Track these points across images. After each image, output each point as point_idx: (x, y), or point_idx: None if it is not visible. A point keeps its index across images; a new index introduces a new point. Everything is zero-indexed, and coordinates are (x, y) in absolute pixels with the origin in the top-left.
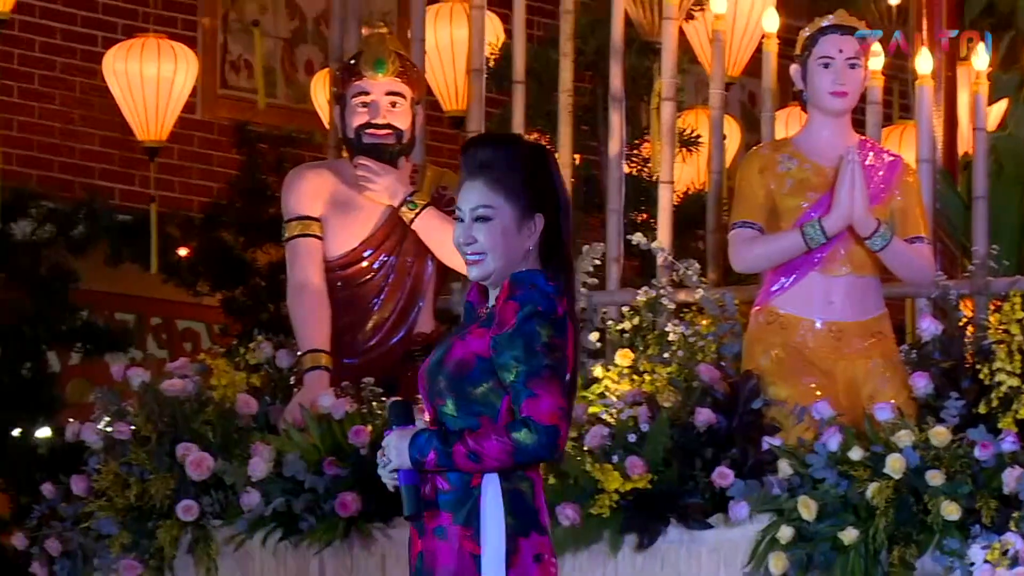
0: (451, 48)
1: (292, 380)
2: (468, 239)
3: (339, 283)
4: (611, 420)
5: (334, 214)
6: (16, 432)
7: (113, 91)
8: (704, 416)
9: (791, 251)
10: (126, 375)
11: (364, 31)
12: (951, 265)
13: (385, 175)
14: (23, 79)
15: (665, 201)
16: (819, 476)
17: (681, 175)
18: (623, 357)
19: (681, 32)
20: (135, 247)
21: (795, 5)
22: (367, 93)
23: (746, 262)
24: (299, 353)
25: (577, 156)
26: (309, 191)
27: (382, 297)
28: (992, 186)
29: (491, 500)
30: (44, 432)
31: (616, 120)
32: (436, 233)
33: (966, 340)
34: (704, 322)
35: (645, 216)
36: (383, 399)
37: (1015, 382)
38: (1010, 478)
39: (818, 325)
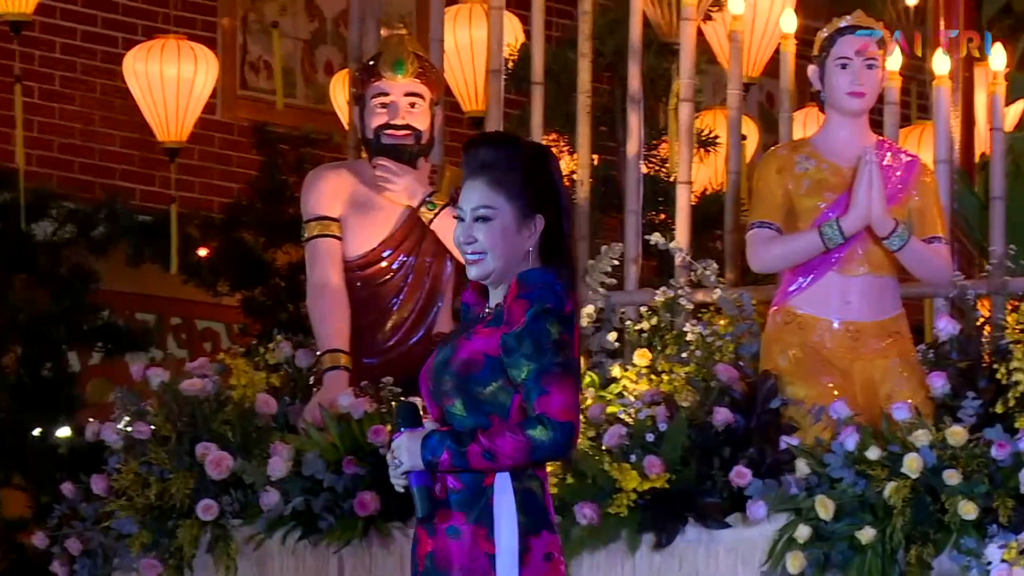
0: (470, 49)
1: (311, 380)
2: (469, 238)
3: (358, 283)
4: (629, 420)
5: (353, 214)
6: (36, 432)
7: (133, 92)
8: (722, 416)
9: (809, 251)
10: (146, 375)
11: (383, 32)
12: (968, 265)
13: (404, 176)
14: (44, 80)
15: (683, 201)
16: (837, 475)
17: (698, 175)
18: (641, 357)
19: (699, 33)
20: (155, 247)
21: (813, 6)
22: (386, 94)
23: (764, 262)
24: (318, 353)
25: (595, 157)
26: (328, 192)
27: (401, 297)
28: (1009, 186)
29: (504, 499)
30: (64, 432)
31: (634, 121)
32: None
33: (983, 340)
34: (722, 322)
35: (663, 216)
36: (402, 399)
37: None
38: None
39: (835, 325)
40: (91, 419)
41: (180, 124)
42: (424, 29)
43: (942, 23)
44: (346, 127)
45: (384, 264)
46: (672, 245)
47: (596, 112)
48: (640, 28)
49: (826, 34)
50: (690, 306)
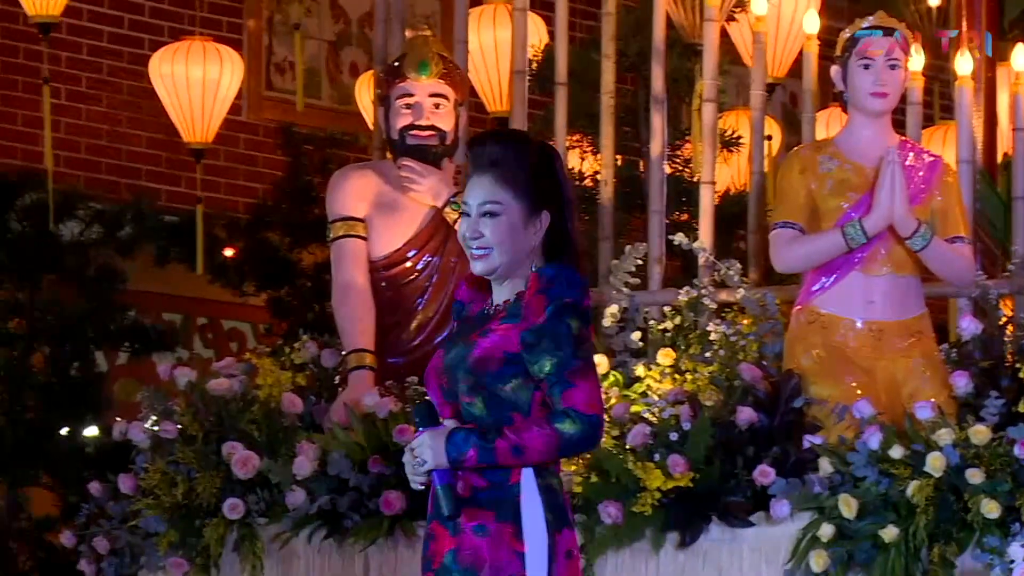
0: (494, 50)
1: (337, 379)
2: (475, 233)
3: (383, 283)
4: (653, 419)
5: (378, 215)
6: (64, 431)
7: (159, 93)
8: (746, 415)
9: (832, 251)
10: (173, 374)
11: (408, 33)
12: (991, 265)
13: (429, 176)
14: (71, 82)
15: (706, 201)
16: (860, 474)
17: (721, 176)
18: (665, 356)
19: (724, 34)
20: (182, 248)
21: (836, 7)
22: (411, 95)
23: (787, 262)
24: (344, 352)
25: (619, 157)
26: (353, 192)
27: (426, 297)
28: None
29: (530, 497)
30: (92, 431)
31: (658, 121)
32: None
33: (1006, 339)
34: (745, 322)
35: (687, 216)
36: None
37: None
38: None
39: (859, 325)
40: (118, 418)
41: (206, 125)
42: (448, 30)
43: (964, 24)
44: (371, 128)
45: (409, 264)
46: (696, 245)
47: (620, 113)
48: (663, 29)
49: (848, 35)
50: (714, 306)
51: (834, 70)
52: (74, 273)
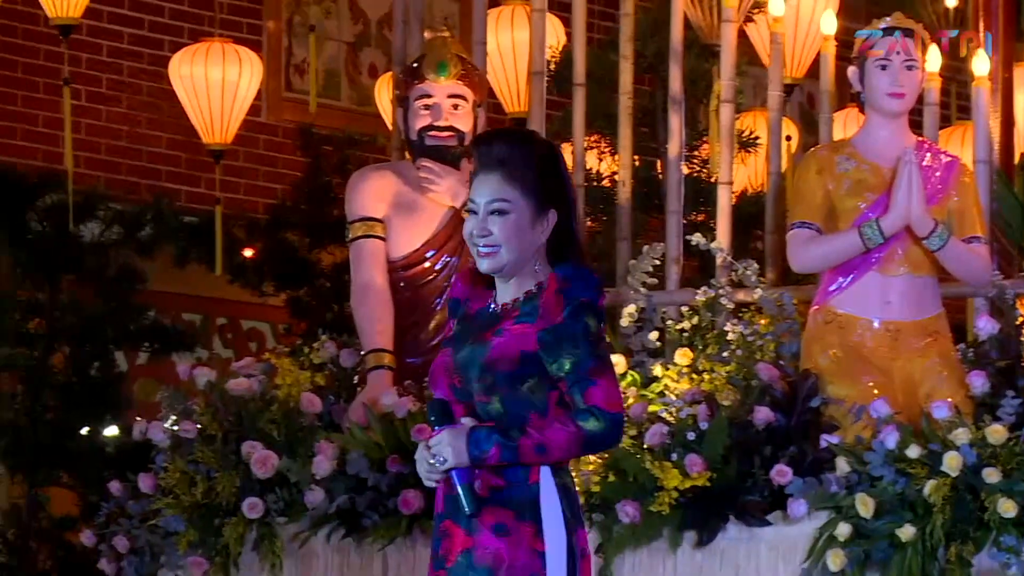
0: (512, 51)
1: (356, 379)
2: (483, 231)
3: (402, 283)
4: (671, 418)
5: (397, 215)
6: (84, 431)
7: (179, 95)
8: (763, 414)
9: (849, 251)
10: (192, 374)
11: (427, 34)
12: (1008, 264)
13: (447, 177)
14: (91, 83)
15: (724, 202)
16: (877, 474)
17: (738, 176)
18: (683, 356)
19: (742, 34)
20: (201, 248)
21: (853, 8)
22: (429, 96)
23: (804, 262)
24: (362, 352)
25: (637, 158)
26: (372, 193)
27: (444, 297)
28: None
29: (549, 496)
30: (112, 431)
31: (675, 122)
32: None
33: (1023, 339)
34: (763, 321)
35: (704, 217)
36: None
37: None
38: None
39: (876, 324)
40: (138, 418)
41: (225, 126)
42: (467, 31)
43: (981, 25)
44: (390, 128)
45: (427, 264)
46: (713, 245)
47: (637, 113)
48: (681, 30)
49: (865, 35)
50: (731, 306)
51: (851, 71)
52: (94, 273)
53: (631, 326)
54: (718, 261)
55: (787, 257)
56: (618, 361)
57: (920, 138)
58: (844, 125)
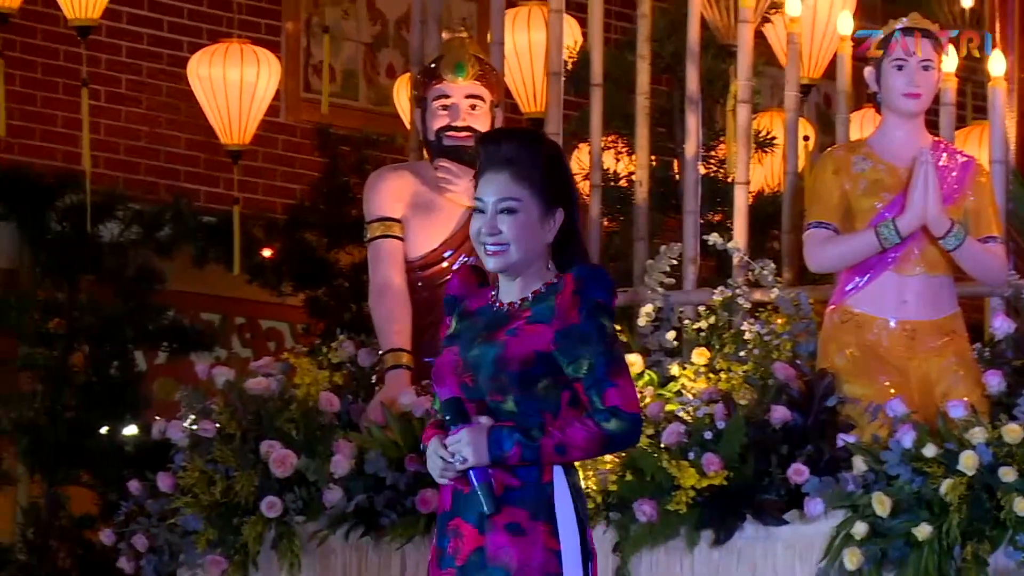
0: (529, 51)
1: (374, 378)
2: (493, 230)
3: (420, 283)
4: (688, 418)
5: (415, 215)
6: (104, 430)
7: (197, 95)
8: (780, 414)
9: (865, 251)
10: (211, 374)
11: (444, 35)
12: (1023, 264)
13: (465, 177)
14: (110, 83)
15: (741, 202)
16: (893, 473)
17: (755, 176)
18: (700, 355)
19: (759, 35)
20: (220, 248)
21: (870, 8)
22: (447, 96)
23: (821, 262)
24: (380, 352)
25: (654, 158)
26: (390, 193)
27: None
28: None
29: (563, 496)
30: (131, 430)
31: (692, 122)
32: None
33: None
34: (779, 321)
35: (721, 217)
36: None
37: None
38: None
39: (892, 324)
40: (157, 417)
41: (243, 127)
42: (484, 32)
43: (998, 25)
44: (408, 129)
45: (445, 264)
46: (730, 245)
47: (654, 114)
48: (698, 30)
49: (882, 36)
50: (748, 305)
51: (868, 71)
52: (113, 273)
53: (648, 326)
54: (735, 261)
55: (804, 257)
56: (635, 360)
57: (936, 138)
58: (861, 125)
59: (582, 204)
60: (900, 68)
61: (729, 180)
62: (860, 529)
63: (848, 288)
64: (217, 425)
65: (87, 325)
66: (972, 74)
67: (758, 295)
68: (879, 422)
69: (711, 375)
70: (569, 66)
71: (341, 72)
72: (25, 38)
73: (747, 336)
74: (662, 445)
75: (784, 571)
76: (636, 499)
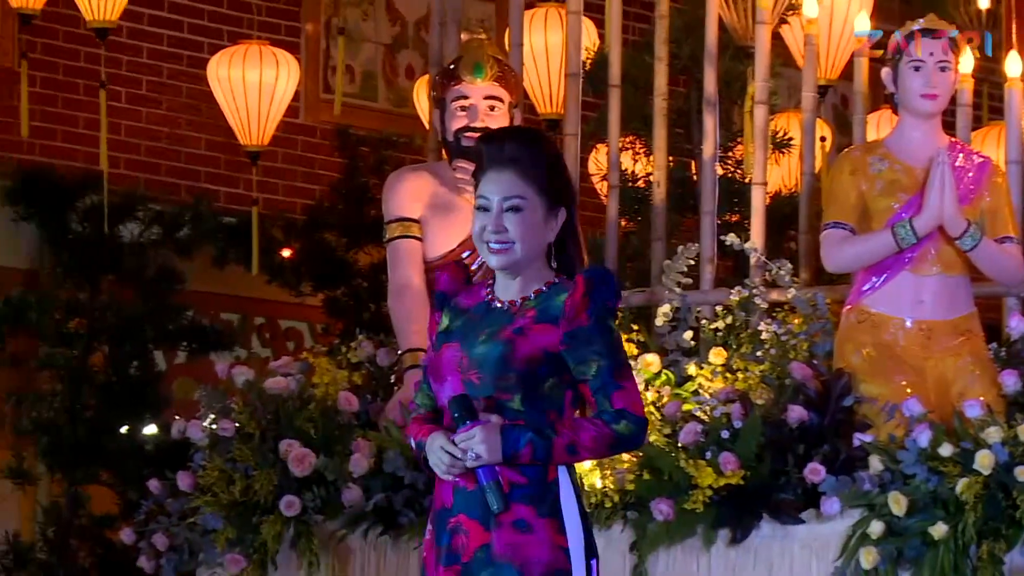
0: (546, 53)
1: (392, 378)
2: (499, 228)
3: None
4: (705, 417)
5: (433, 216)
6: (124, 429)
7: (217, 97)
8: (796, 413)
9: (882, 251)
10: (230, 373)
11: (463, 36)
12: None
13: None
14: (131, 85)
15: (757, 202)
16: (909, 472)
17: (772, 177)
18: (717, 355)
19: (776, 36)
20: (240, 249)
21: (887, 9)
22: (466, 97)
23: (838, 262)
24: (399, 352)
25: (671, 159)
26: (409, 193)
27: None
28: None
29: (568, 493)
30: (151, 429)
31: (710, 123)
32: None
33: None
34: (796, 321)
35: (738, 217)
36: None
37: None
38: None
39: (908, 324)
40: (177, 417)
41: (262, 128)
42: (503, 33)
43: (1015, 26)
44: (427, 129)
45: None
46: (747, 245)
47: (672, 115)
48: (716, 31)
49: (899, 37)
50: (765, 305)
51: (885, 72)
52: (133, 274)
53: (666, 325)
54: (752, 261)
55: (821, 257)
56: (653, 360)
57: (952, 139)
58: (877, 126)
59: (600, 205)
60: (917, 69)
61: (746, 181)
62: (876, 528)
63: (865, 288)
64: (236, 424)
65: (107, 325)
66: (989, 75)
67: (775, 295)
68: (895, 421)
69: (728, 375)
70: (587, 67)
71: (360, 73)
72: (46, 39)
73: (764, 336)
74: (679, 444)
75: (800, 570)
76: (653, 498)
